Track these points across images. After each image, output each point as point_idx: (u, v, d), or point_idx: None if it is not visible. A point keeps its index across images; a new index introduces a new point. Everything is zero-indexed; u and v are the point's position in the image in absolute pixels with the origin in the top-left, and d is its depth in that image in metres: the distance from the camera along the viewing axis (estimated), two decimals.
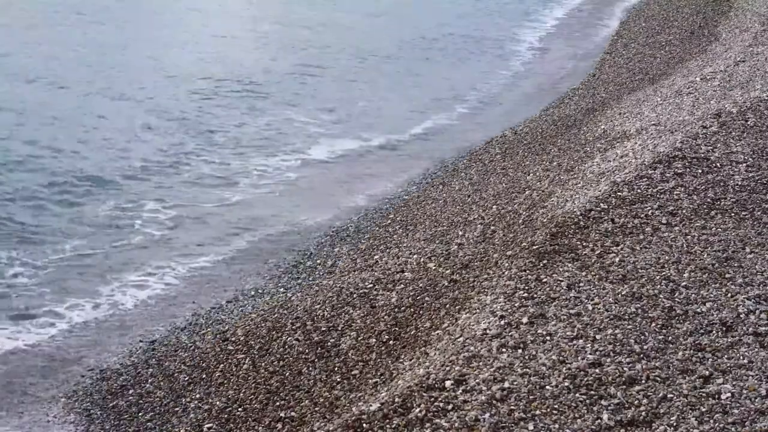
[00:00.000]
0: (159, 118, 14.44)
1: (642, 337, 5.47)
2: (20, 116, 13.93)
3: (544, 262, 6.51)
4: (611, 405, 4.81)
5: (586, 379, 5.02)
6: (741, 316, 5.75)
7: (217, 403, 6.50)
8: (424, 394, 4.95)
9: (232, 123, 14.52)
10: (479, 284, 6.69)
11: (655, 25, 21.32)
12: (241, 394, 6.49)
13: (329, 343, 6.77)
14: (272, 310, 7.68)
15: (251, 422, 6.13)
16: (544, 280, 6.22)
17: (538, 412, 4.75)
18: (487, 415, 4.70)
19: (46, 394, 7.14)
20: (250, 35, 21.35)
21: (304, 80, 17.49)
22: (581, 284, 6.15)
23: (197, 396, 6.69)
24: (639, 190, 7.82)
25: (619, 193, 7.77)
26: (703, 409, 4.79)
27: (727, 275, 6.31)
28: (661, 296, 5.97)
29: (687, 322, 5.67)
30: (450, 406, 4.81)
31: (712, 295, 6.01)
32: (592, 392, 4.91)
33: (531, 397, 4.85)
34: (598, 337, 5.45)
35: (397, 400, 4.94)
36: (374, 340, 6.57)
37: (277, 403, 6.22)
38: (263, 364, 6.78)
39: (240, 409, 6.33)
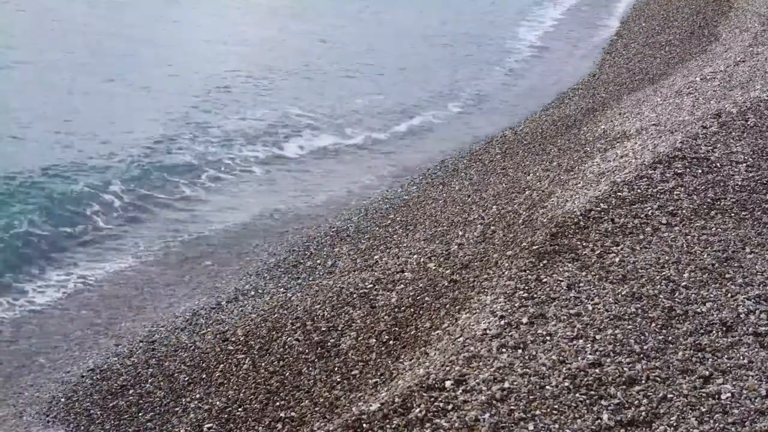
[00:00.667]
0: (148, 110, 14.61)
1: (642, 337, 5.48)
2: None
3: (544, 262, 6.52)
4: (611, 405, 4.81)
5: (586, 379, 5.02)
6: (741, 316, 5.75)
7: (217, 403, 6.50)
8: (424, 394, 4.95)
9: (228, 116, 14.63)
10: (479, 284, 6.70)
11: (655, 25, 21.32)
12: (241, 394, 6.50)
13: (329, 343, 6.77)
14: (272, 310, 7.68)
15: (251, 422, 6.13)
16: (544, 280, 6.22)
17: (538, 412, 4.75)
18: (487, 415, 4.70)
19: (46, 395, 7.15)
20: (248, 35, 21.37)
21: (300, 78, 17.56)
22: (581, 284, 6.15)
23: (197, 396, 6.69)
24: (639, 190, 7.82)
25: (619, 193, 7.77)
26: (703, 409, 4.79)
27: (727, 275, 6.31)
28: (661, 296, 5.98)
29: (687, 322, 5.67)
30: (450, 406, 4.81)
31: (712, 295, 6.01)
32: (592, 392, 4.92)
33: (531, 397, 4.86)
34: (598, 337, 5.46)
35: (397, 400, 4.95)
36: (374, 340, 6.57)
37: (277, 403, 6.22)
38: (263, 364, 6.78)
39: (240, 409, 6.33)
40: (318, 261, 9.07)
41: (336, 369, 6.38)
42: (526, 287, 6.12)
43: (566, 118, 13.43)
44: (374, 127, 14.91)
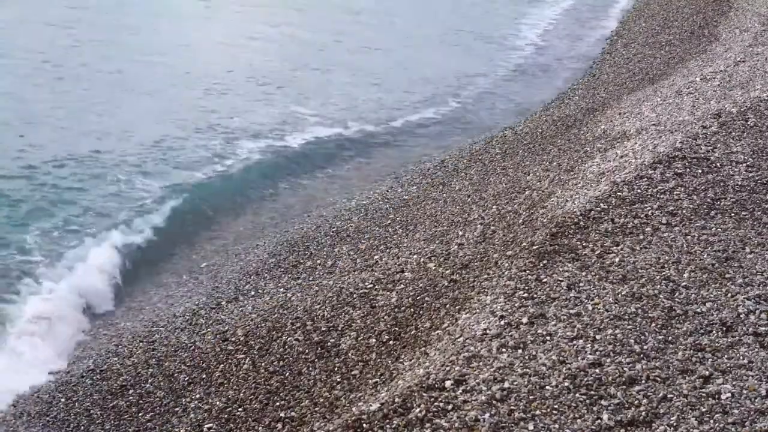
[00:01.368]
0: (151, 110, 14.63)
1: (642, 337, 5.48)
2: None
3: (544, 262, 6.51)
4: (611, 405, 4.81)
5: (586, 379, 5.02)
6: (741, 316, 5.75)
7: (217, 403, 6.50)
8: (424, 394, 4.95)
9: (228, 116, 14.66)
10: (479, 284, 6.70)
11: (655, 25, 21.31)
12: (241, 394, 6.50)
13: (329, 343, 6.77)
14: (272, 310, 7.68)
15: (251, 422, 6.13)
16: (544, 280, 6.22)
17: (538, 412, 4.75)
18: (487, 415, 4.70)
19: (46, 395, 7.15)
20: (246, 35, 21.38)
21: (306, 74, 17.61)
22: (581, 284, 6.15)
23: (197, 396, 6.69)
24: (639, 190, 7.82)
25: (619, 193, 7.77)
26: (703, 409, 4.79)
27: (727, 275, 6.31)
28: (661, 296, 5.97)
29: (687, 322, 5.67)
30: (450, 406, 4.81)
31: (712, 295, 6.01)
32: (592, 392, 4.92)
33: (531, 397, 4.86)
34: (598, 337, 5.46)
35: (397, 400, 4.95)
36: (374, 340, 6.58)
37: (277, 403, 6.22)
38: (263, 364, 6.78)
39: (240, 409, 6.33)
40: (318, 261, 9.07)
41: (336, 369, 6.39)
42: (526, 287, 6.12)
43: (566, 117, 13.43)
44: (374, 126, 14.94)
